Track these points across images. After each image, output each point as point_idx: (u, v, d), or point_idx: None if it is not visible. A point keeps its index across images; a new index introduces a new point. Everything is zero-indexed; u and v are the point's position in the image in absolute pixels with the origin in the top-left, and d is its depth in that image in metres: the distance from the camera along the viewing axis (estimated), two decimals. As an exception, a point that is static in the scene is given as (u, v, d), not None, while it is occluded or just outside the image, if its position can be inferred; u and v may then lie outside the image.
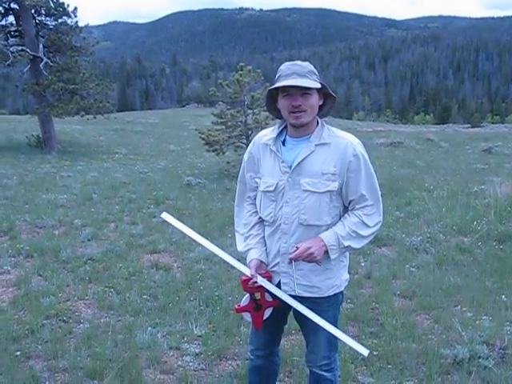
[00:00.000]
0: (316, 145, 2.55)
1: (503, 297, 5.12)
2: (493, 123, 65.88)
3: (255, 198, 2.79)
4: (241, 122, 14.66)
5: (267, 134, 2.72)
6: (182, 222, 8.54)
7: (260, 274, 2.64)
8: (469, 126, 53.23)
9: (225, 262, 2.76)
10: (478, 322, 4.55)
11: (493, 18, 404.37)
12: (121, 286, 5.49)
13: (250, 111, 14.73)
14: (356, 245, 2.61)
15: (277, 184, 2.60)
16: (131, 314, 4.78)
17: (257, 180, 2.73)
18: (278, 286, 2.70)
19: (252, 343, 2.99)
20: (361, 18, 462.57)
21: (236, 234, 2.91)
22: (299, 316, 2.74)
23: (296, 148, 2.59)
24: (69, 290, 5.40)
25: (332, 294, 2.71)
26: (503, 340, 4.17)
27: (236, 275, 5.81)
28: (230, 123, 14.65)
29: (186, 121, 40.25)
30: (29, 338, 4.30)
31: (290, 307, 2.74)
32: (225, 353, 4.08)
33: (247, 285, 2.64)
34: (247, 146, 12.22)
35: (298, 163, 2.55)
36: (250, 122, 14.64)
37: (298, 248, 2.53)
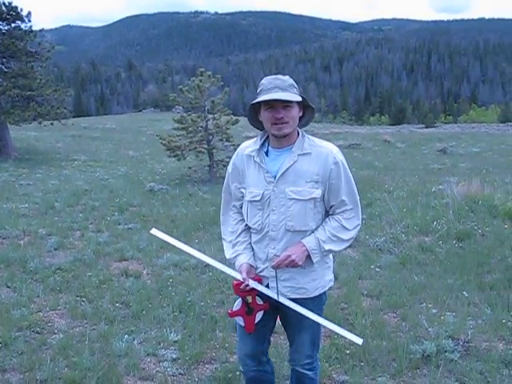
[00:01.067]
0: (298, 155, 2.68)
1: (465, 293, 5.34)
2: (446, 123, 67.61)
3: (240, 207, 2.90)
4: (201, 127, 14.72)
5: (250, 146, 2.83)
6: (148, 229, 8.55)
7: (251, 278, 2.74)
8: (423, 126, 54.47)
9: (216, 269, 2.86)
10: (442, 318, 4.74)
11: (443, 21, 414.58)
12: (92, 295, 5.49)
13: (210, 116, 14.81)
14: (337, 248, 2.75)
15: (263, 193, 2.72)
16: (106, 323, 4.80)
17: (242, 190, 2.84)
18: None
19: (239, 351, 3.06)
20: (315, 20, 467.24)
21: (223, 242, 3.01)
22: (285, 317, 2.87)
23: (279, 158, 2.72)
24: (39, 301, 5.37)
25: (317, 294, 2.84)
26: (467, 334, 4.36)
27: (206, 281, 5.90)
28: (190, 128, 14.69)
29: (144, 126, 39.98)
30: (2, 350, 4.27)
31: (276, 314, 2.90)
32: (202, 357, 4.15)
33: (239, 289, 2.74)
34: (208, 151, 12.32)
35: (282, 173, 2.67)
36: (211, 127, 14.71)
37: (278, 256, 2.68)
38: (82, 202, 10.95)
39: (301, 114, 2.71)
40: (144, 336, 4.53)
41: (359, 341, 2.85)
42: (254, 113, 2.78)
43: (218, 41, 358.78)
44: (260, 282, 2.78)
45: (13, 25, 21.30)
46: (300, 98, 2.63)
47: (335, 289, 5.65)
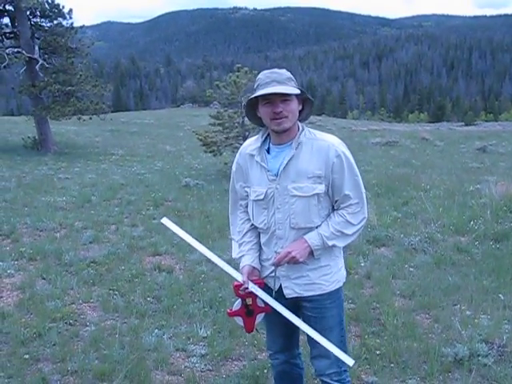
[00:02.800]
0: (297, 149, 2.61)
1: (500, 295, 5.20)
2: (486, 121, 66.17)
3: (246, 206, 2.85)
4: (238, 123, 14.72)
5: (252, 144, 2.78)
6: (182, 224, 8.55)
7: (252, 281, 2.69)
8: (463, 124, 53.48)
9: (219, 267, 2.81)
10: (476, 321, 4.63)
11: (485, 17, 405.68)
12: (124, 289, 5.56)
13: (246, 112, 14.78)
14: (341, 243, 2.67)
15: (266, 192, 2.66)
16: (136, 317, 4.85)
17: (247, 189, 2.79)
18: (280, 290, 2.75)
19: (270, 348, 3.04)
20: (354, 16, 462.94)
21: (232, 242, 2.98)
22: (303, 313, 2.79)
23: (280, 155, 2.66)
24: (73, 293, 5.47)
25: (333, 289, 2.75)
26: (502, 338, 4.25)
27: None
28: (227, 124, 14.71)
29: (182, 121, 40.26)
30: (36, 341, 4.37)
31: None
32: (230, 354, 4.16)
33: (239, 290, 2.69)
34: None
35: (283, 169, 2.62)
36: (247, 123, 14.68)
37: (279, 253, 2.63)
38: (118, 196, 11.09)
39: (300, 108, 2.65)
40: (174, 331, 4.56)
41: (351, 362, 2.66)
42: (251, 109, 2.72)
43: (256, 37, 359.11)
44: (262, 285, 2.72)
45: (55, 22, 21.70)
46: (298, 91, 2.57)
47: (367, 288, 5.60)
